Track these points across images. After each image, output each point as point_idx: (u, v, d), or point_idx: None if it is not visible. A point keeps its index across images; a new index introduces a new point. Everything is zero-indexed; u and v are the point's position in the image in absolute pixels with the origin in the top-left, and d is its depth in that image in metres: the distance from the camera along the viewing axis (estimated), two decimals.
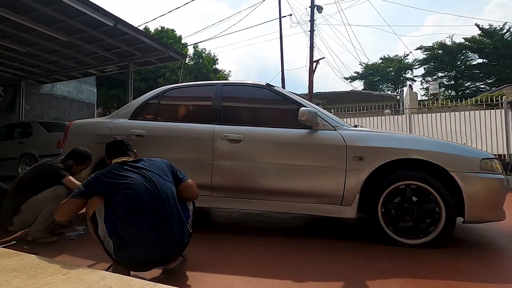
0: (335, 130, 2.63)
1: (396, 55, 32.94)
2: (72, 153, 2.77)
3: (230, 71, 24.22)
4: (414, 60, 30.80)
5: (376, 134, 2.71)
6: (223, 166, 2.77)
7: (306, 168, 2.60)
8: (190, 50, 20.10)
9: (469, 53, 27.54)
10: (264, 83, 3.02)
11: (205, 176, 2.77)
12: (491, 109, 8.32)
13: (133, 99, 4.26)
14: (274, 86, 3.00)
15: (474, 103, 9.00)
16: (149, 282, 1.55)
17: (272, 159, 2.69)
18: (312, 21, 13.27)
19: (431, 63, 29.27)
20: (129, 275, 1.64)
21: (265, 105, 3.06)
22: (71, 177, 2.59)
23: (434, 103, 10.37)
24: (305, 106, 2.70)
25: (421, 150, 2.45)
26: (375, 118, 9.63)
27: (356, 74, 32.89)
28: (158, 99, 3.17)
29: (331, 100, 18.30)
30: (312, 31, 13.19)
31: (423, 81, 30.68)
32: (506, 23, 26.19)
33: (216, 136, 2.78)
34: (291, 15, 17.19)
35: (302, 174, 2.60)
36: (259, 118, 3.04)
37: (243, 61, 62.99)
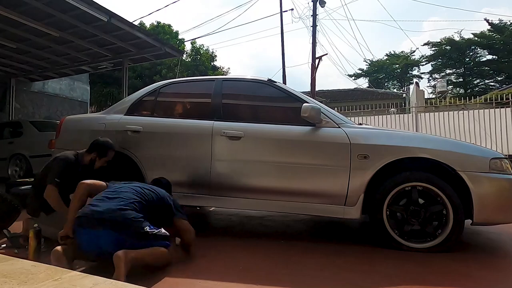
0: (339, 127, 2.55)
1: (402, 52, 32.05)
2: (93, 145, 2.59)
3: (229, 68, 24.03)
4: (421, 57, 29.99)
5: (382, 132, 2.65)
6: (222, 164, 2.69)
7: (308, 167, 2.52)
8: (188, 46, 19.90)
9: (478, 49, 26.65)
10: (265, 79, 2.94)
11: (203, 174, 2.70)
12: (501, 107, 8.18)
13: None
14: (276, 82, 2.92)
15: (483, 101, 8.87)
16: None
17: (274, 157, 2.61)
18: (314, 15, 13.09)
19: (439, 60, 28.51)
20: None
21: (267, 101, 2.97)
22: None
23: (442, 101, 10.19)
24: (308, 103, 2.61)
25: (428, 148, 2.37)
26: (380, 117, 9.51)
27: (360, 71, 32.31)
28: (155, 95, 3.10)
29: (334, 98, 18.02)
30: (314, 26, 13.00)
31: (430, 78, 30.05)
32: None
33: (215, 132, 2.71)
34: (292, 9, 16.92)
35: (304, 173, 2.52)
36: (260, 114, 2.95)
37: (242, 59, 62.53)
